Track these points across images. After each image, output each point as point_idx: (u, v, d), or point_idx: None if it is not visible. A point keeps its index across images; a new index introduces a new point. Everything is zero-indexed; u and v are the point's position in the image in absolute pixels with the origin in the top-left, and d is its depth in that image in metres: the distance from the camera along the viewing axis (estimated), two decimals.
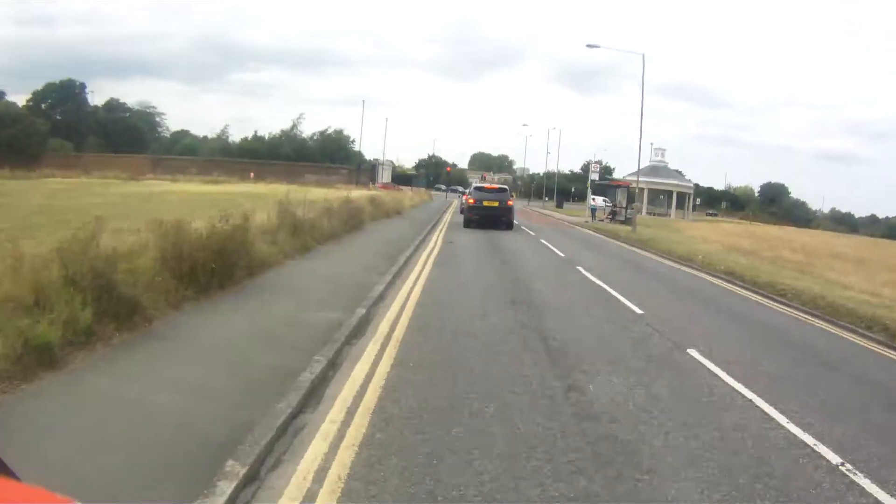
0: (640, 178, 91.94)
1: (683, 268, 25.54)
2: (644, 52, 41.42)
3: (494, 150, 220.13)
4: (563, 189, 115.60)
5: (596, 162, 59.59)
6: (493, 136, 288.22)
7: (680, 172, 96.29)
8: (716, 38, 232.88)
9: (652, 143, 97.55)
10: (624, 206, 59.39)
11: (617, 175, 59.20)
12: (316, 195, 29.99)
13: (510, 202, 37.57)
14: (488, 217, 35.99)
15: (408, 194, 64.54)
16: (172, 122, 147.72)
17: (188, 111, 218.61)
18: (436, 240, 28.25)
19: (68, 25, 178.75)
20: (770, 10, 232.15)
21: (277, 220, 18.85)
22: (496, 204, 36.18)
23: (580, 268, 21.36)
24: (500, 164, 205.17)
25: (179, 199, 34.56)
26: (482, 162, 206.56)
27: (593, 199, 61.16)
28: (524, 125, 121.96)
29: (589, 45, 42.55)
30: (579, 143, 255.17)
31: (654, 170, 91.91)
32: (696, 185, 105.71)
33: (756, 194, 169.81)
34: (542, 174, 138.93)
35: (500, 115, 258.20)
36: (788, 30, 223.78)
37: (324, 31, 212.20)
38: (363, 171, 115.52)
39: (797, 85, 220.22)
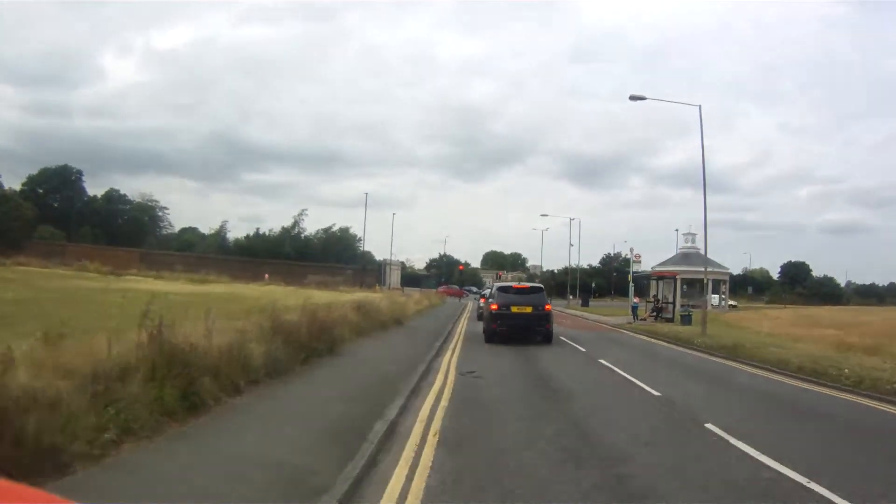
0: (673, 268, 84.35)
1: (841, 395, 16.08)
2: (700, 104, 31.81)
3: (506, 249, 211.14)
4: (584, 285, 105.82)
5: (637, 254, 48.80)
6: (505, 234, 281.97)
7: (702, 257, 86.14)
8: (719, 123, 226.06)
9: (677, 230, 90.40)
10: (670, 300, 49.28)
11: (639, 268, 48.64)
12: (296, 299, 24.95)
13: (548, 306, 27.73)
14: (520, 328, 26.89)
15: (414, 297, 54.72)
16: (183, 219, 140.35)
17: (200, 209, 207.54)
18: (447, 368, 18.52)
19: (85, 118, 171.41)
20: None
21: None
22: (529, 310, 26.99)
23: (714, 427, 11.21)
24: (513, 262, 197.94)
25: (131, 299, 24.71)
26: (495, 260, 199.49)
27: (636, 298, 50.70)
28: (543, 215, 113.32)
29: (633, 97, 32.75)
30: (592, 238, 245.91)
31: (686, 257, 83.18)
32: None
33: (777, 275, 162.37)
34: (559, 270, 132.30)
35: (509, 213, 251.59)
36: (778, 110, 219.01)
37: (334, 132, 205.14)
38: (368, 271, 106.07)
39: (797, 163, 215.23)
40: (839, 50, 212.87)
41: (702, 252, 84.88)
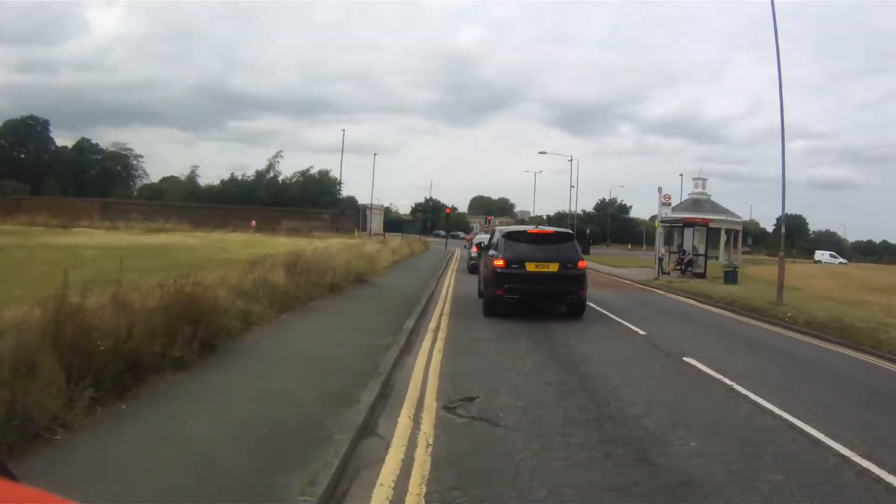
0: (681, 215, 75.00)
1: None
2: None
3: (494, 194, 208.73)
4: (579, 232, 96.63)
5: (667, 195, 39.25)
6: (493, 180, 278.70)
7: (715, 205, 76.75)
8: (707, 73, 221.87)
9: (681, 175, 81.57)
10: (702, 252, 40.17)
11: (668, 212, 39.28)
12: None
13: (581, 263, 17.68)
14: (540, 295, 17.55)
15: (392, 244, 45.49)
16: (171, 170, 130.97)
17: (187, 159, 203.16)
18: (419, 392, 9.27)
19: (70, 73, 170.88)
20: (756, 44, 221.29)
21: None
22: (555, 268, 16.98)
23: None
24: (500, 208, 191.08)
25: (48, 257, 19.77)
26: (482, 206, 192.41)
27: (663, 249, 41.23)
28: (541, 152, 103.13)
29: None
30: (583, 185, 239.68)
31: (697, 203, 74.02)
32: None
33: (771, 228, 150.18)
34: (553, 216, 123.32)
35: (498, 159, 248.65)
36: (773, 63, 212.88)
37: (321, 79, 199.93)
38: (347, 215, 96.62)
39: (789, 117, 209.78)
40: (835, 4, 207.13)
41: (713, 199, 77.31)
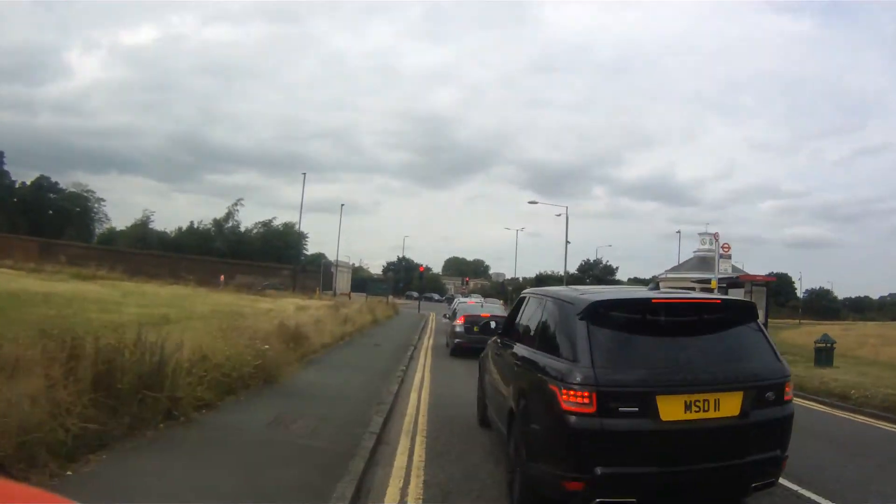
0: (686, 275, 64.61)
1: None
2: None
3: (469, 256, 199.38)
4: None
5: (725, 245, 28.38)
6: (466, 241, 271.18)
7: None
8: (681, 137, 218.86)
9: (678, 231, 71.69)
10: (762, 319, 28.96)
11: (727, 267, 28.26)
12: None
13: (788, 386, 6.25)
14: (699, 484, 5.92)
15: (350, 308, 34.22)
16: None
17: (162, 209, 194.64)
18: None
19: (49, 114, 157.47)
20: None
21: None
22: (735, 410, 5.79)
23: None
24: (475, 269, 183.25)
25: None
26: (457, 267, 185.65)
27: None
28: (532, 202, 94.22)
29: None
30: (559, 247, 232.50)
31: (704, 262, 63.51)
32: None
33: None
34: (533, 278, 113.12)
35: (472, 220, 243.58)
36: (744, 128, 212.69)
37: (298, 136, 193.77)
38: (309, 272, 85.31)
39: (760, 177, 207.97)
40: (802, 66, 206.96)
41: (733, 252, 66.57)
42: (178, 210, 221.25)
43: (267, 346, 13.27)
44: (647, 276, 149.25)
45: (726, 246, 29.43)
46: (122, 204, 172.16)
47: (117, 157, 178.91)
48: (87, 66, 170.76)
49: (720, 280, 30.28)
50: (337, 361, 17.61)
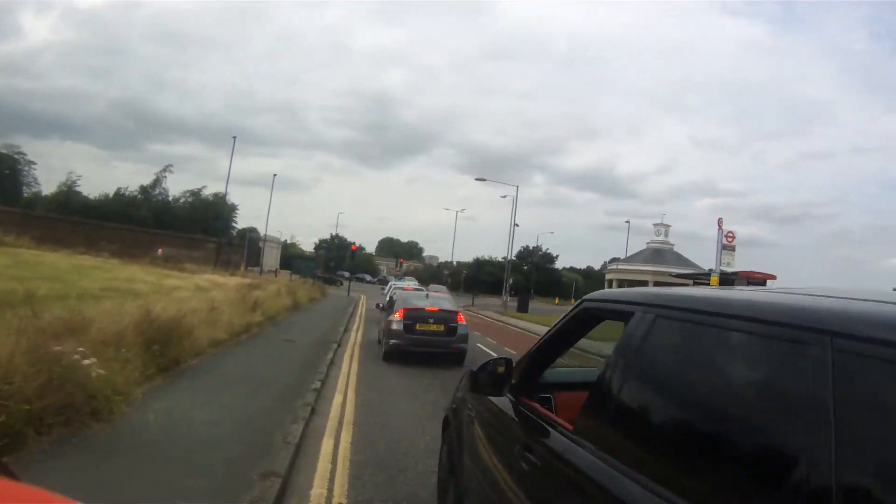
0: (639, 266, 60.76)
1: None
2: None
3: (403, 237, 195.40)
4: (498, 281, 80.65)
5: (730, 234, 23.72)
6: (402, 223, 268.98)
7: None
8: (624, 129, 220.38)
9: (628, 221, 67.36)
10: None
11: (731, 260, 23.70)
12: None
13: None
14: None
15: (268, 291, 28.86)
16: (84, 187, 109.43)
17: (101, 177, 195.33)
18: None
19: None
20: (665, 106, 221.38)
21: None
22: None
23: None
24: (409, 251, 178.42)
25: None
26: (391, 248, 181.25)
27: None
28: (479, 179, 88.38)
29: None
30: (500, 232, 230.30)
31: (658, 254, 59.92)
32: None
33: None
34: (472, 262, 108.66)
35: (408, 202, 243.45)
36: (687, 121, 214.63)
37: (245, 109, 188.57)
38: (236, 246, 79.15)
39: (701, 175, 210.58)
40: (753, 71, 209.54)
41: (675, 249, 62.72)
42: (118, 179, 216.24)
43: (92, 361, 7.95)
44: (584, 266, 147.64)
45: (730, 235, 24.76)
46: (62, 171, 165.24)
47: (61, 122, 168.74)
48: (39, 27, 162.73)
49: (696, 276, 25.37)
50: (223, 371, 12.15)
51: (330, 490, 6.56)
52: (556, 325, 4.35)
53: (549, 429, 3.60)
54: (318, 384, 11.84)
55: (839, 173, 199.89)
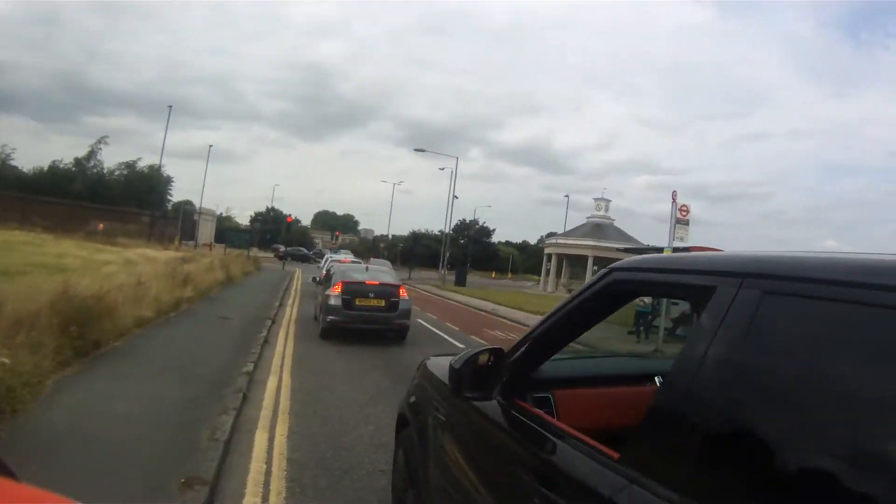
0: (579, 241, 60.20)
1: None
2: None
3: (339, 210, 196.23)
4: (434, 254, 79.93)
5: (684, 207, 22.94)
6: (338, 196, 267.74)
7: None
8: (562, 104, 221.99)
9: (567, 196, 67.28)
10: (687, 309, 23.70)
11: (685, 235, 22.89)
12: None
13: None
14: None
15: (199, 265, 27.60)
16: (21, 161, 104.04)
17: (38, 151, 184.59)
18: None
19: None
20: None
21: None
22: None
23: None
24: (345, 224, 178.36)
25: None
26: (326, 221, 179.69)
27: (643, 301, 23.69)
28: (418, 150, 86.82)
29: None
30: (436, 206, 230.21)
31: (599, 229, 59.57)
32: None
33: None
34: (408, 235, 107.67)
35: (346, 176, 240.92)
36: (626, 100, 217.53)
37: (180, 80, 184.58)
38: (170, 219, 77.03)
39: (639, 152, 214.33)
40: (698, 53, 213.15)
41: (616, 224, 62.44)
42: (54, 152, 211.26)
43: None
44: (520, 240, 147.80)
45: (685, 209, 23.86)
46: None
47: None
48: None
49: (641, 251, 24.75)
50: (147, 354, 11.02)
51: (265, 499, 5.66)
52: (568, 303, 3.19)
53: (577, 452, 2.59)
54: (250, 366, 10.89)
55: (777, 155, 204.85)
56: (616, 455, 2.35)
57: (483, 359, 3.42)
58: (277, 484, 5.98)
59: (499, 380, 3.39)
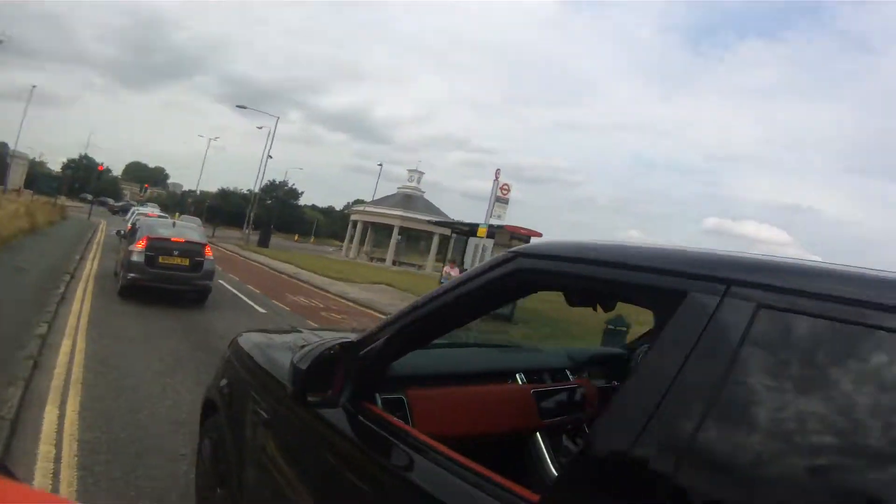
0: (387, 210, 59.73)
1: None
2: None
3: (151, 162, 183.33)
4: (241, 212, 77.41)
5: (505, 185, 22.52)
6: (152, 148, 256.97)
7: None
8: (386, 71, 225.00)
9: (380, 165, 66.07)
10: None
11: (503, 213, 22.50)
12: None
13: None
14: None
15: (7, 209, 25.33)
16: None
17: None
18: None
19: None
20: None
21: None
22: None
23: None
24: (156, 177, 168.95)
25: None
26: (137, 173, 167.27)
27: (451, 266, 23.42)
28: (240, 106, 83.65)
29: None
30: (243, 163, 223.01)
31: (409, 199, 59.37)
32: None
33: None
34: (210, 191, 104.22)
35: (163, 128, 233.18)
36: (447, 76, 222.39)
37: (13, 14, 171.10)
38: None
39: (458, 129, 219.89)
40: (534, 42, 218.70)
41: (426, 197, 62.18)
42: None
43: None
44: (328, 205, 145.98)
45: (505, 187, 23.50)
46: None
47: None
48: None
49: (455, 225, 24.42)
50: None
51: (54, 492, 4.83)
52: (452, 288, 2.53)
53: (455, 478, 2.07)
54: (44, 327, 9.77)
55: (595, 146, 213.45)
56: (535, 498, 1.82)
57: (328, 354, 2.67)
58: (68, 473, 5.22)
59: (348, 379, 2.73)
